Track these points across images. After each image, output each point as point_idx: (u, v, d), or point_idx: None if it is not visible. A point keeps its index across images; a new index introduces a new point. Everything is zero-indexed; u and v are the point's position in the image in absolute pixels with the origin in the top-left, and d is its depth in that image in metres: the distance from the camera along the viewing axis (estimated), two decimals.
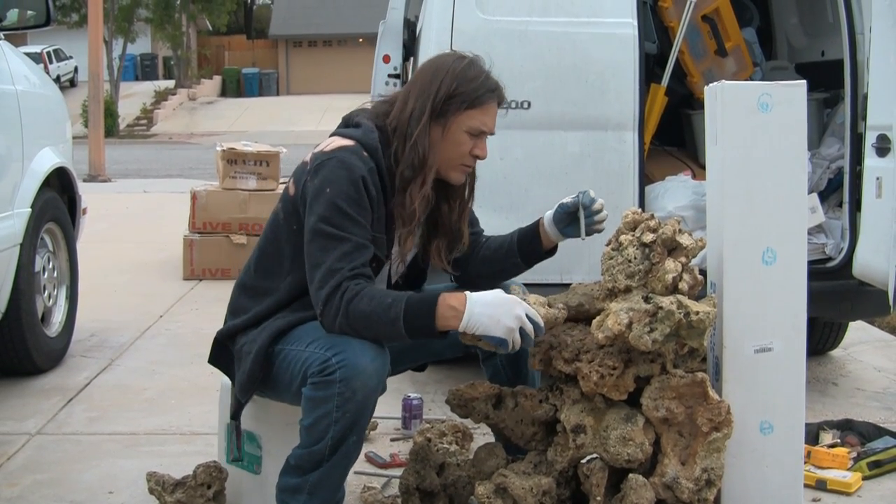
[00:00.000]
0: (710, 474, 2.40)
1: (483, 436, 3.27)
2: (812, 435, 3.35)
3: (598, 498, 2.41)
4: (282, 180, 7.02)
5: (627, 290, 2.39)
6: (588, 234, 2.66)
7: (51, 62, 31.10)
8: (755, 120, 2.51)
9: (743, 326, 2.52)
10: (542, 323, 2.33)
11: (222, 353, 2.63)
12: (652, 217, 2.46)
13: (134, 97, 32.68)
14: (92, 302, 5.34)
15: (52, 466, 3.28)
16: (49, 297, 4.48)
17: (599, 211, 2.64)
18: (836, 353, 4.82)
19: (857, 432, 3.43)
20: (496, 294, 2.34)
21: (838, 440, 3.36)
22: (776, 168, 2.52)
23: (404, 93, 2.55)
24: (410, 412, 3.55)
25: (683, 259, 2.41)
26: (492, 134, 2.56)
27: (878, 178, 3.42)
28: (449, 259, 2.66)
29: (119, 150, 20.90)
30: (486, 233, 2.81)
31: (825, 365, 4.64)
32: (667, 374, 2.41)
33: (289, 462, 2.39)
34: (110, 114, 26.04)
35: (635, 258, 2.39)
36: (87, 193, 5.14)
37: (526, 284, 2.79)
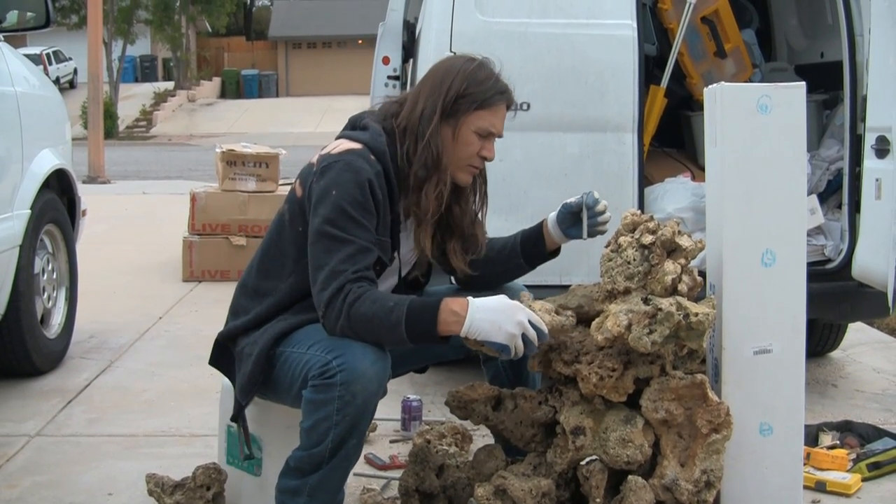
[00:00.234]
0: (710, 476, 2.40)
1: (482, 437, 3.27)
2: (811, 436, 3.35)
3: (598, 500, 2.41)
4: (281, 182, 7.02)
5: (627, 291, 2.39)
6: (591, 235, 2.67)
7: (50, 64, 31.12)
8: (754, 121, 2.51)
9: (742, 328, 2.52)
10: (545, 329, 2.33)
11: (223, 355, 2.63)
12: (651, 219, 2.46)
13: (133, 99, 32.68)
14: (91, 303, 5.34)
15: (51, 468, 3.27)
16: (48, 298, 4.48)
17: (603, 212, 2.65)
18: (835, 354, 4.82)
19: (856, 434, 3.43)
20: (499, 300, 2.34)
21: (838, 442, 3.36)
22: (775, 169, 2.52)
23: (414, 93, 2.56)
24: (410, 414, 3.55)
25: (683, 261, 2.41)
26: (500, 136, 2.57)
27: (877, 180, 3.43)
28: (466, 260, 2.66)
29: (118, 152, 20.89)
30: (487, 234, 2.81)
31: (824, 366, 4.63)
32: (666, 376, 2.41)
33: (288, 464, 2.39)
34: (110, 115, 26.05)
35: (634, 260, 2.39)
36: (87, 195, 5.14)
37: (525, 286, 2.79)
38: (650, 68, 4.35)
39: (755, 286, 2.52)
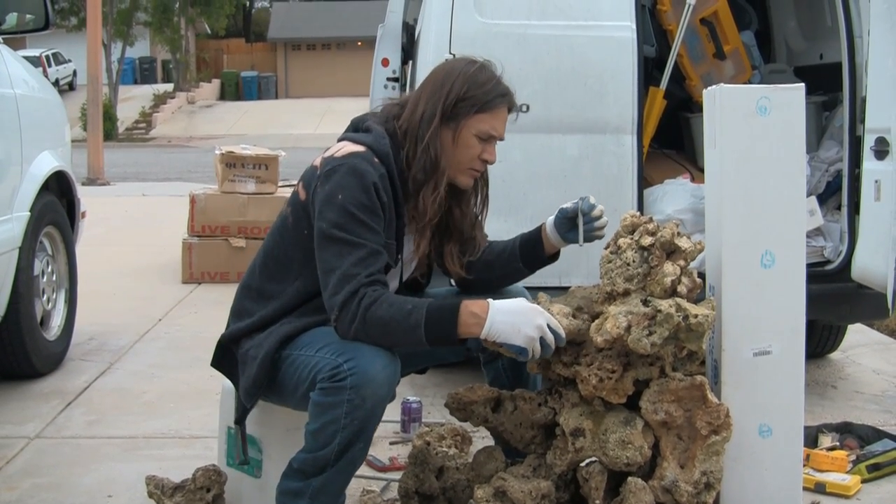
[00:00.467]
0: (709, 477, 2.40)
1: (482, 439, 3.27)
2: (811, 438, 3.35)
3: (598, 501, 2.41)
4: (281, 184, 7.03)
5: (626, 293, 2.39)
6: (588, 240, 2.65)
7: (49, 66, 31.09)
8: (754, 123, 2.51)
9: (742, 329, 2.52)
10: (563, 333, 2.34)
11: (225, 357, 2.62)
12: (650, 220, 2.46)
13: (133, 100, 32.66)
14: (91, 305, 5.33)
15: (51, 470, 3.27)
16: (48, 300, 4.48)
17: (599, 217, 2.63)
18: (834, 356, 4.82)
19: (856, 435, 3.43)
20: (518, 303, 2.35)
21: (837, 443, 3.36)
22: (775, 171, 2.53)
23: (415, 95, 2.55)
24: (409, 416, 3.55)
25: (682, 262, 2.41)
26: (501, 139, 2.56)
27: (876, 181, 3.43)
28: (462, 263, 2.66)
29: (118, 154, 20.88)
30: (487, 237, 2.81)
31: (824, 368, 4.63)
32: (666, 378, 2.41)
33: (291, 465, 2.38)
34: (109, 117, 26.03)
35: (634, 261, 2.40)
36: (86, 197, 5.14)
37: (525, 287, 2.79)
38: (649, 70, 4.35)
39: (754, 288, 2.52)
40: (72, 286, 4.72)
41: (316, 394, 2.30)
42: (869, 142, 3.47)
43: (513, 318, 2.30)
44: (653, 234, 2.41)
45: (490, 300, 2.35)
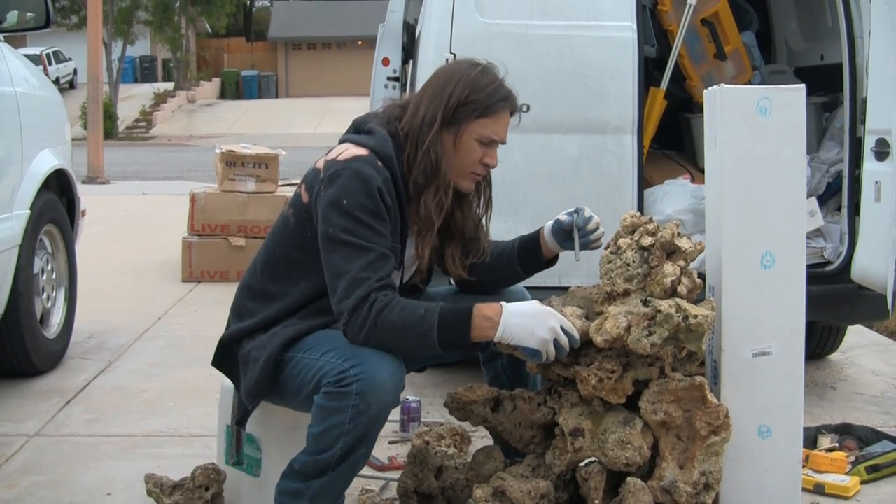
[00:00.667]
0: (709, 478, 2.40)
1: (481, 439, 3.27)
2: (810, 439, 3.35)
3: (597, 501, 2.41)
4: (281, 183, 7.03)
5: (626, 293, 2.39)
6: (584, 249, 2.64)
7: (50, 64, 31.10)
8: (754, 124, 2.51)
9: (741, 330, 2.52)
10: (577, 335, 2.34)
11: (226, 357, 2.61)
12: (650, 221, 2.46)
13: (133, 99, 32.67)
14: (91, 304, 5.33)
15: (50, 468, 3.27)
16: (48, 298, 4.48)
17: (595, 229, 2.62)
18: (834, 357, 4.82)
19: (855, 436, 3.43)
20: (532, 305, 2.36)
21: (836, 444, 3.36)
22: (775, 172, 2.53)
23: (417, 97, 2.53)
24: (409, 415, 3.55)
25: (682, 263, 2.41)
26: (503, 143, 2.54)
27: (877, 182, 3.43)
28: (465, 265, 2.64)
29: (118, 152, 20.88)
30: (490, 239, 2.79)
31: (823, 369, 4.64)
32: (665, 378, 2.41)
33: (292, 466, 2.38)
34: (109, 116, 26.03)
35: (634, 262, 2.39)
36: (86, 195, 5.14)
37: (525, 288, 2.79)
38: (650, 70, 4.35)
39: (754, 288, 2.52)
40: (71, 284, 4.72)
41: (320, 397, 2.29)
42: (869, 143, 3.47)
43: (526, 321, 2.31)
44: (653, 234, 2.41)
45: (503, 303, 2.35)
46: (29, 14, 4.17)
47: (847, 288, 3.81)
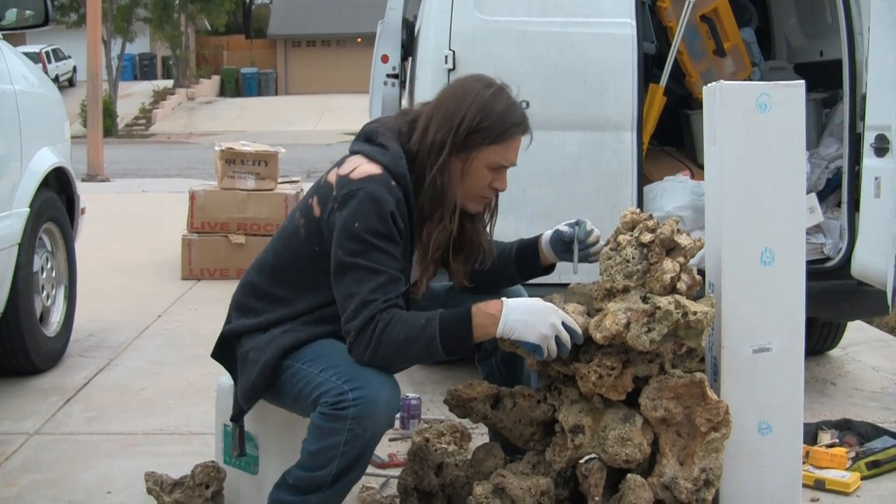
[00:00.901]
0: (709, 474, 2.40)
1: (481, 436, 3.27)
2: (810, 435, 3.35)
3: (597, 498, 2.41)
4: (280, 180, 7.02)
5: (625, 290, 2.39)
6: (582, 262, 2.63)
7: (49, 62, 31.08)
8: (754, 120, 2.51)
9: (741, 326, 2.52)
10: (579, 331, 2.34)
11: (226, 351, 2.61)
12: (650, 217, 2.46)
13: (132, 97, 32.65)
14: (90, 302, 5.33)
15: (50, 466, 3.27)
16: (47, 296, 4.48)
17: (595, 242, 2.61)
18: (834, 353, 4.82)
19: (855, 432, 3.43)
20: (533, 301, 2.36)
21: (837, 440, 3.36)
22: (775, 168, 2.52)
23: (427, 115, 2.46)
24: (409, 412, 3.55)
25: (681, 259, 2.41)
26: (514, 165, 2.51)
27: (876, 178, 3.43)
28: (466, 273, 2.62)
29: (117, 150, 20.87)
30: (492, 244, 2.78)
31: (823, 365, 4.64)
32: (665, 375, 2.41)
33: (286, 479, 2.39)
34: (109, 113, 26.00)
35: (633, 258, 2.39)
36: (86, 193, 5.14)
37: (524, 285, 2.79)
38: (649, 67, 4.35)
39: (754, 285, 2.52)
40: (71, 283, 4.72)
41: (317, 416, 2.30)
42: (869, 139, 3.47)
43: (527, 317, 2.31)
44: (652, 230, 2.41)
45: (504, 299, 2.35)
46: (28, 12, 4.17)
47: (847, 284, 3.81)
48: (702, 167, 3.17)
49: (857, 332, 5.18)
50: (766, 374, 2.53)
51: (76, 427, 3.68)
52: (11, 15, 4.11)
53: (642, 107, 3.89)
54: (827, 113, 4.44)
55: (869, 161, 3.49)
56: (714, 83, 2.60)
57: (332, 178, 2.44)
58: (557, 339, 2.31)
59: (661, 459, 2.43)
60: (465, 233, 2.58)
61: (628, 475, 2.41)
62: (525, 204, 3.74)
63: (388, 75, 4.38)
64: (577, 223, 2.63)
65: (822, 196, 4.12)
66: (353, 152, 2.49)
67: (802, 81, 2.57)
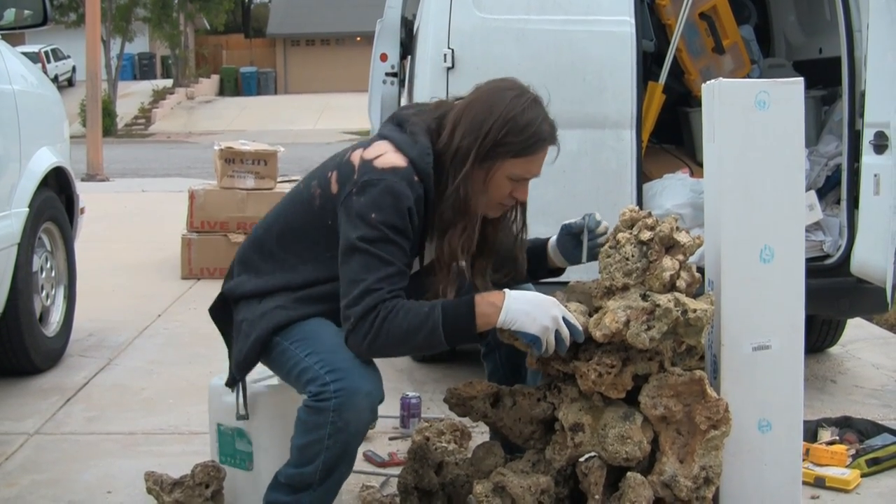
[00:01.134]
0: (709, 472, 2.40)
1: (481, 434, 3.27)
2: (810, 432, 3.35)
3: (597, 496, 2.41)
4: (280, 179, 7.02)
5: (625, 287, 2.39)
6: (591, 258, 2.62)
7: (49, 62, 31.09)
8: (753, 117, 2.51)
9: (741, 324, 2.52)
10: (580, 328, 2.34)
11: (224, 311, 2.62)
12: (649, 215, 2.46)
13: (132, 96, 32.65)
14: (90, 301, 5.33)
15: (50, 466, 3.27)
16: (47, 296, 4.48)
17: (604, 233, 2.61)
18: (834, 350, 4.82)
19: (855, 429, 3.43)
20: (535, 294, 2.35)
21: (837, 437, 3.36)
22: (774, 165, 2.52)
23: (455, 117, 2.41)
24: (409, 411, 3.55)
25: (681, 257, 2.41)
26: (537, 177, 2.49)
27: (875, 176, 3.42)
28: (484, 278, 2.57)
29: (117, 150, 20.88)
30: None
31: (823, 362, 4.64)
32: (665, 372, 2.41)
33: (278, 479, 2.40)
34: (108, 113, 26.01)
35: (633, 256, 2.39)
36: (85, 193, 5.14)
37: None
38: (648, 65, 4.35)
39: (754, 282, 2.51)
40: (71, 282, 4.72)
41: (302, 411, 2.33)
42: (868, 136, 3.47)
43: (529, 307, 2.31)
44: (652, 228, 2.41)
45: (506, 290, 2.35)
46: (26, 12, 4.16)
47: (846, 281, 3.81)
48: (701, 165, 3.17)
49: (857, 330, 5.18)
50: (766, 371, 2.53)
51: (76, 427, 3.68)
52: (10, 15, 4.11)
53: (641, 104, 3.88)
54: (826, 110, 4.44)
55: (868, 158, 3.49)
56: (713, 81, 2.59)
57: (355, 158, 2.41)
58: (558, 334, 2.31)
59: (661, 457, 2.43)
60: (487, 235, 2.55)
61: (628, 473, 2.41)
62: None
63: (387, 74, 4.38)
64: (587, 215, 2.63)
65: (822, 193, 4.12)
66: (382, 136, 2.46)
67: (801, 79, 2.57)
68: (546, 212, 3.73)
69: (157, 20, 32.51)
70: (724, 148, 2.53)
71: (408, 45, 4.39)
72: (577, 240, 2.64)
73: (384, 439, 3.51)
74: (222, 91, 38.21)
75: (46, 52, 31.36)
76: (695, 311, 2.31)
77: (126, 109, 30.89)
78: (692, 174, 4.21)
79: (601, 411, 2.43)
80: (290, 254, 2.50)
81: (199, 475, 2.74)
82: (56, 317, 4.58)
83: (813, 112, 4.32)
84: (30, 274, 4.17)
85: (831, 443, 3.31)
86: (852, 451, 3.25)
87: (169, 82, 35.84)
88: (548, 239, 2.72)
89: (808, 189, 3.96)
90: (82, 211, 4.94)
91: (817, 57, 4.68)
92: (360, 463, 3.20)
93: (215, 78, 39.08)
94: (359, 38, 35.49)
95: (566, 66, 3.80)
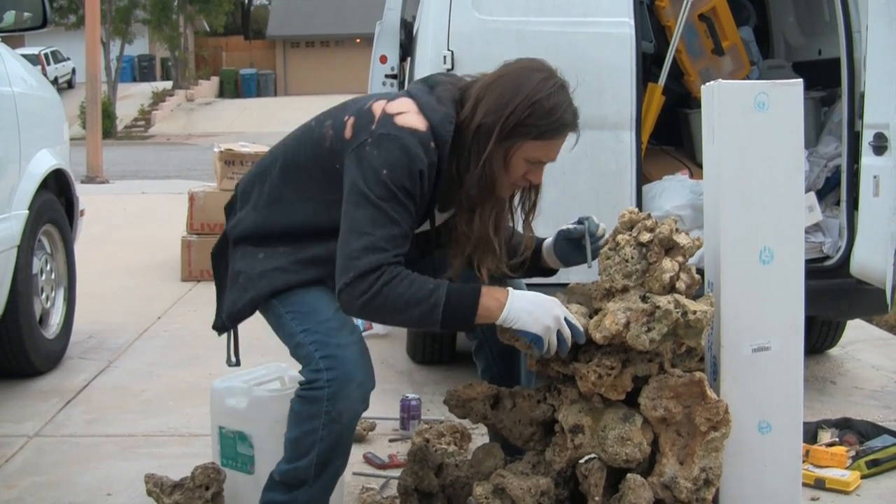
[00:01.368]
0: (709, 474, 2.40)
1: (481, 436, 3.27)
2: (810, 434, 3.35)
3: (597, 498, 2.41)
4: None
5: (625, 289, 2.39)
6: (595, 258, 2.62)
7: (48, 64, 31.10)
8: (752, 119, 2.51)
9: (740, 326, 2.52)
10: (581, 329, 2.33)
11: (223, 251, 2.59)
12: (649, 216, 2.45)
13: (132, 98, 32.66)
14: (90, 304, 5.33)
15: (50, 468, 3.27)
16: (47, 298, 4.48)
17: (602, 235, 2.60)
18: (834, 351, 4.82)
19: (855, 431, 3.43)
20: (537, 294, 2.35)
21: (836, 439, 3.36)
22: (773, 167, 2.52)
23: (479, 91, 2.37)
24: (409, 413, 3.55)
25: (681, 258, 2.41)
26: (553, 161, 2.47)
27: (875, 177, 3.42)
28: (498, 263, 2.53)
29: (117, 152, 20.88)
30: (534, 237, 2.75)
31: (823, 364, 4.64)
32: (665, 374, 2.41)
33: (273, 478, 2.39)
34: (108, 115, 26.01)
35: (632, 258, 2.39)
36: (85, 195, 5.14)
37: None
38: (648, 66, 4.35)
39: (753, 284, 2.51)
40: (70, 284, 4.72)
41: (295, 401, 2.32)
42: (867, 137, 3.47)
43: (531, 307, 2.30)
44: (651, 230, 2.40)
45: (509, 288, 2.34)
46: (26, 14, 4.16)
47: (846, 282, 3.81)
48: (701, 166, 3.17)
49: (857, 331, 5.18)
50: (766, 373, 2.53)
51: (76, 429, 3.68)
52: (10, 17, 4.11)
53: (641, 106, 3.88)
54: (825, 111, 4.44)
55: (867, 159, 3.48)
56: (712, 82, 2.59)
57: (377, 108, 2.36)
58: (559, 334, 2.30)
59: (661, 459, 2.43)
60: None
61: (628, 475, 2.41)
62: None
63: (386, 76, 4.39)
64: (585, 220, 2.62)
65: (821, 195, 4.12)
66: (409, 94, 2.43)
67: (801, 80, 2.57)
68: (545, 213, 3.69)
69: (156, 22, 32.53)
70: (724, 149, 2.53)
71: (407, 47, 4.39)
72: (576, 244, 2.63)
73: (384, 441, 3.51)
74: (222, 93, 38.22)
75: (46, 55, 31.36)
76: (695, 312, 2.31)
77: (126, 111, 30.90)
78: (692, 176, 4.22)
79: (601, 413, 2.43)
80: (290, 190, 2.45)
81: (199, 477, 2.74)
82: (56, 319, 4.58)
83: (812, 113, 4.32)
84: (29, 276, 4.17)
85: (831, 444, 3.31)
86: (852, 453, 3.25)
87: (168, 84, 35.87)
88: (543, 240, 2.71)
89: (807, 190, 3.96)
90: (82, 213, 4.94)
91: (816, 58, 4.68)
92: (359, 465, 3.22)
93: (215, 80, 39.10)
94: (358, 40, 35.48)
95: (565, 67, 3.74)
